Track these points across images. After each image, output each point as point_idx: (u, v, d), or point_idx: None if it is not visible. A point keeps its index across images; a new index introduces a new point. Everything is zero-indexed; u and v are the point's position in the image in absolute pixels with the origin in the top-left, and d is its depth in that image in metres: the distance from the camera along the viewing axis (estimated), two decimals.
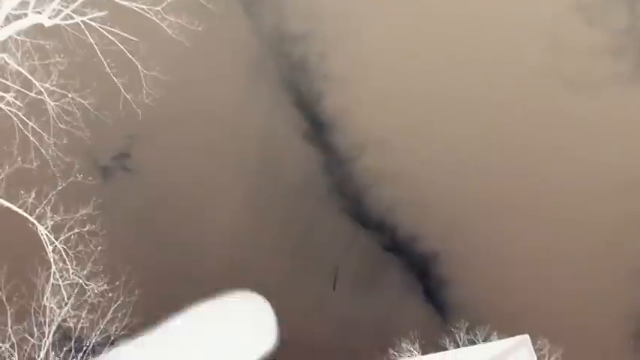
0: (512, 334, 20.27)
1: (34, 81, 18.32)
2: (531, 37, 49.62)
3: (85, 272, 21.47)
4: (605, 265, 45.75)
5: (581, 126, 49.45)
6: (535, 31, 49.40)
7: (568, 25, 48.19)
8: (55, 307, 27.31)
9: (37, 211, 19.01)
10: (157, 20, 19.05)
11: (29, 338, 27.75)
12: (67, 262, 19.66)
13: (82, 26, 18.50)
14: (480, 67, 50.05)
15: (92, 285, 21.63)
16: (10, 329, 27.78)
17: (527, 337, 19.29)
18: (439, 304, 56.74)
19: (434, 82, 51.33)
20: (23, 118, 18.51)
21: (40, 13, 17.95)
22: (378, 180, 53.44)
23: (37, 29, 18.26)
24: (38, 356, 27.59)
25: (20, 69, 18.10)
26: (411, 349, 38.46)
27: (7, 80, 18.08)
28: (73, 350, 28.73)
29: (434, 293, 56.11)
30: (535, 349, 20.55)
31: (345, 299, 47.00)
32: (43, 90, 18.42)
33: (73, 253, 19.93)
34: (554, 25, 48.53)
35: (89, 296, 22.82)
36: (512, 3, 49.63)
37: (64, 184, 19.52)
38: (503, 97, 50.07)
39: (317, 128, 56.44)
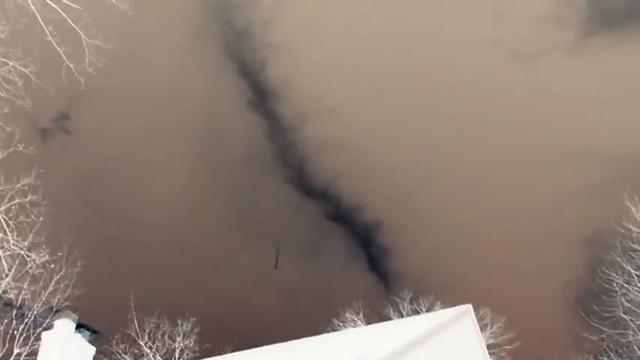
0: (455, 304, 20.48)
1: None
2: (474, 7, 49.96)
3: (27, 243, 21.27)
4: (546, 235, 46.58)
5: (523, 96, 50.07)
6: (480, 2, 49.76)
7: None
8: None
9: None
10: None
11: None
12: (8, 233, 19.39)
13: None
14: (424, 37, 50.39)
15: (34, 256, 21.41)
16: None
17: (470, 306, 19.50)
18: (382, 274, 57.51)
19: (377, 51, 51.55)
20: None
21: None
22: (322, 149, 53.76)
23: None
24: None
25: None
26: (356, 319, 38.86)
27: None
28: (14, 322, 28.55)
29: (377, 262, 56.73)
30: (478, 319, 20.85)
31: (289, 268, 47.19)
32: None
33: (13, 224, 19.64)
34: None
35: (31, 267, 22.58)
36: None
37: (4, 154, 19.27)
38: (447, 67, 50.49)
39: (260, 96, 56.46)
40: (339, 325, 38.59)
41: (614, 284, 29.86)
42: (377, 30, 50.98)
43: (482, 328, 25.22)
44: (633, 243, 30.07)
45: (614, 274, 30.04)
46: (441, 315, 20.56)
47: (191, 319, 37.46)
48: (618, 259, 30.30)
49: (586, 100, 48.59)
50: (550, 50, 49.19)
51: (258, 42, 54.18)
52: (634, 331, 29.14)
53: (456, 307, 19.74)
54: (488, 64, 50.71)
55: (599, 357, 30.30)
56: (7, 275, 26.03)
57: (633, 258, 30.05)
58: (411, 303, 39.17)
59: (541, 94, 49.52)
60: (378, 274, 60.78)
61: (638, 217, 29.82)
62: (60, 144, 39.32)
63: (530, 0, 48.73)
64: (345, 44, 51.96)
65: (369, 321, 37.92)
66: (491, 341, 33.79)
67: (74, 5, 18.80)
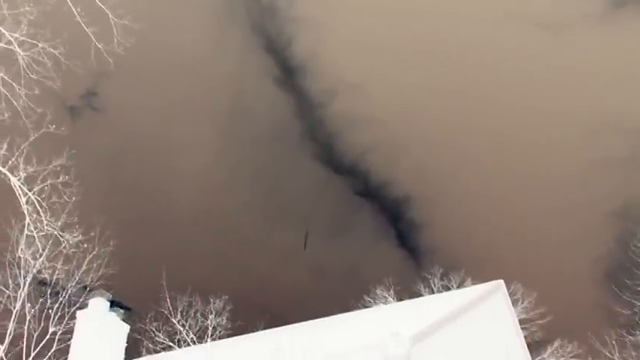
0: (486, 280, 20.47)
1: (3, 31, 18.16)
2: None
3: (60, 223, 21.47)
4: (576, 209, 46.38)
5: (551, 69, 49.66)
6: None
7: None
8: (29, 259, 27.30)
9: (10, 162, 18.98)
10: None
11: (5, 290, 27.85)
12: (41, 214, 19.60)
13: None
14: (450, 10, 50.00)
15: (67, 236, 21.63)
16: None
17: (501, 282, 19.50)
18: (412, 249, 57.51)
19: (404, 26, 51.23)
20: None
21: None
22: (350, 125, 53.64)
23: None
24: (14, 307, 27.68)
25: None
26: (386, 295, 38.93)
27: None
28: (49, 301, 28.88)
29: (407, 238, 56.81)
30: (509, 294, 20.85)
31: (318, 245, 47.30)
32: (12, 40, 18.25)
33: (47, 205, 19.81)
34: None
35: (64, 247, 22.81)
36: None
37: (36, 135, 19.44)
38: (473, 40, 50.10)
39: (288, 73, 56.40)
40: (370, 302, 38.72)
41: None
42: (404, 4, 50.71)
43: (514, 304, 25.17)
44: None
45: None
46: (473, 291, 20.58)
47: (223, 297, 37.72)
48: None
49: (615, 72, 48.15)
50: (578, 21, 48.74)
51: (284, 17, 54.10)
52: None
53: (488, 283, 19.73)
54: (515, 36, 50.33)
55: (632, 331, 30.28)
56: (41, 255, 26.34)
57: None
58: (441, 279, 39.20)
59: (569, 67, 49.14)
60: (408, 249, 60.86)
61: None
62: (88, 122, 39.45)
63: None
64: (373, 18, 51.73)
65: (399, 297, 38.01)
66: (522, 316, 33.77)
67: None
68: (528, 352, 20.52)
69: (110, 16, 18.92)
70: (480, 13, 49.54)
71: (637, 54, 47.30)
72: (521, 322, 23.25)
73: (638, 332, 29.93)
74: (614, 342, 30.91)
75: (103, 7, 18.75)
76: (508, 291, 20.20)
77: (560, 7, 48.23)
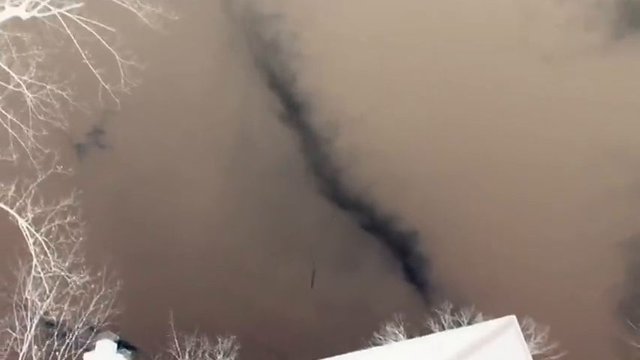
0: (498, 315, 20.43)
1: (12, 74, 18.36)
2: (506, 11, 49.84)
3: (67, 264, 21.52)
4: (585, 240, 46.22)
5: (556, 99, 49.86)
6: (510, 5, 49.62)
7: None
8: (37, 300, 27.45)
9: (18, 203, 19.06)
10: (133, 10, 19.14)
11: (11, 332, 27.91)
12: (49, 254, 19.66)
13: (60, 18, 18.58)
14: (456, 42, 50.27)
15: (74, 277, 21.65)
16: None
17: (513, 317, 19.46)
18: (421, 284, 57.23)
19: (408, 58, 51.53)
20: (2, 110, 18.58)
21: (17, 5, 17.99)
22: (354, 159, 53.78)
23: (15, 22, 18.28)
24: (21, 350, 27.72)
25: None
26: (397, 332, 38.75)
27: None
28: (55, 343, 28.90)
29: (415, 272, 56.57)
30: (521, 329, 20.78)
31: (325, 281, 47.20)
32: (21, 82, 18.47)
33: (54, 245, 19.88)
34: None
35: (71, 288, 22.86)
36: None
37: (44, 176, 19.55)
38: (480, 72, 50.30)
39: (292, 109, 56.61)
40: (380, 339, 38.54)
41: None
42: (408, 37, 50.94)
43: (527, 339, 25.02)
44: None
45: None
46: (485, 327, 20.51)
47: (231, 337, 37.64)
48: None
49: (617, 102, 48.33)
50: (582, 52, 49.04)
51: (287, 54, 54.46)
52: None
53: (500, 319, 19.69)
54: (521, 67, 50.63)
55: None
56: (48, 297, 26.44)
57: None
58: (452, 314, 38.98)
59: (574, 97, 49.33)
60: (416, 284, 60.61)
61: None
62: (95, 159, 39.71)
63: (560, 2, 48.63)
64: (375, 53, 52.04)
65: (410, 334, 37.82)
66: (535, 352, 33.55)
67: (108, 27, 19.14)
68: None
69: (117, 57, 19.12)
70: (483, 45, 49.89)
71: (637, 84, 47.60)
72: (534, 357, 23.15)
73: None
74: None
75: (110, 48, 18.95)
76: (520, 326, 20.12)
77: (562, 40, 48.64)
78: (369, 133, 50.86)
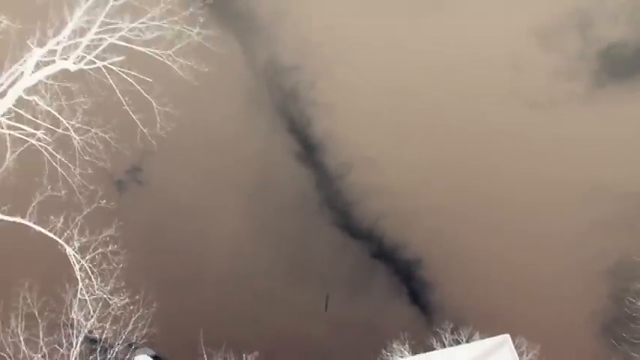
0: (493, 334, 20.44)
1: (61, 119, 18.62)
2: (494, 62, 50.29)
3: (109, 287, 21.59)
4: (573, 267, 46.05)
5: (544, 141, 50.00)
6: (498, 56, 50.01)
7: (527, 49, 48.94)
8: (82, 320, 27.47)
9: (65, 234, 19.23)
10: (168, 63, 19.42)
11: (59, 348, 27.92)
12: (93, 279, 19.79)
13: (103, 70, 18.87)
14: (456, 91, 50.67)
15: (115, 299, 21.77)
16: (41, 341, 27.92)
17: (507, 336, 19.47)
18: (424, 306, 57.03)
19: (410, 105, 52.01)
20: (52, 152, 18.79)
21: (66, 59, 18.29)
22: (364, 195, 54.00)
23: (64, 74, 18.57)
24: None
25: (49, 109, 18.41)
26: (402, 349, 38.54)
27: (38, 119, 18.40)
28: (98, 358, 28.88)
29: (419, 296, 56.43)
30: (515, 347, 20.72)
31: (338, 303, 47.07)
32: (69, 127, 18.72)
33: (97, 271, 20.01)
34: (515, 50, 49.27)
35: (112, 309, 22.95)
36: (477, 33, 50.12)
37: (89, 210, 19.72)
38: (475, 117, 50.63)
39: (308, 150, 57.00)
40: (387, 355, 38.32)
41: None
42: (412, 86, 51.34)
43: (520, 356, 24.92)
44: None
45: (639, 303, 29.58)
46: (482, 345, 20.50)
47: (254, 353, 37.50)
48: None
49: (602, 144, 48.47)
50: (565, 100, 49.25)
51: (304, 101, 54.86)
52: None
53: (495, 337, 19.69)
54: (511, 113, 50.98)
55: None
56: (92, 317, 26.51)
57: None
58: (452, 333, 38.72)
59: (560, 139, 49.46)
60: (420, 306, 60.32)
61: None
62: (133, 194, 39.94)
63: (545, 54, 48.92)
64: (384, 100, 52.38)
65: (414, 351, 37.58)
66: None
67: (146, 78, 19.39)
68: None
69: (154, 104, 19.37)
70: (481, 93, 50.23)
71: (619, 128, 47.71)
72: None
73: None
74: None
75: (147, 96, 19.21)
76: (513, 344, 20.09)
77: (548, 87, 48.92)
78: (378, 171, 51.15)
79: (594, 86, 50.26)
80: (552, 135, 49.40)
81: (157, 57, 19.47)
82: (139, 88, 19.29)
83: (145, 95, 19.39)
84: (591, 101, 49.68)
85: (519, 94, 49.68)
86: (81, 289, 20.10)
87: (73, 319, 27.55)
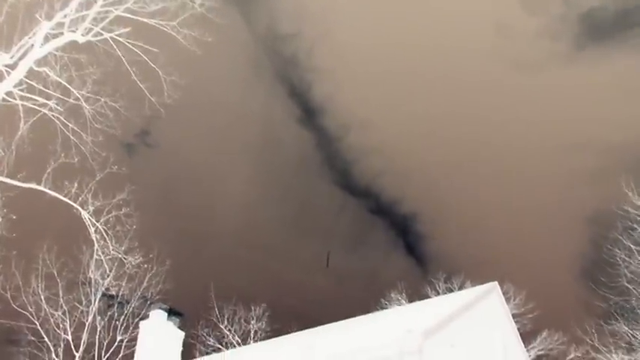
0: (483, 281, 20.34)
1: (72, 89, 18.32)
2: (480, 24, 49.93)
3: (123, 248, 21.40)
4: (557, 216, 46.14)
5: (529, 99, 49.81)
6: (483, 18, 49.65)
7: (511, 11, 48.48)
8: (99, 279, 27.38)
9: (80, 198, 18.99)
10: (173, 33, 19.05)
11: (78, 306, 27.89)
12: (108, 241, 19.59)
13: (110, 41, 18.50)
14: (440, 53, 50.53)
15: (130, 258, 21.60)
16: (61, 299, 27.89)
17: (496, 283, 19.36)
18: (419, 258, 57.41)
19: (403, 68, 51.60)
20: (64, 120, 18.52)
21: (74, 31, 17.90)
22: (363, 154, 53.92)
23: (73, 45, 18.20)
24: (87, 320, 27.70)
25: (60, 79, 18.08)
26: (400, 298, 38.68)
27: (49, 89, 18.07)
28: (115, 314, 28.88)
29: (414, 248, 56.79)
30: (502, 293, 20.64)
31: (339, 256, 47.16)
32: (80, 96, 18.41)
33: (112, 233, 19.83)
34: (499, 12, 48.86)
35: (128, 268, 22.81)
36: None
37: (101, 175, 19.50)
38: (463, 77, 50.41)
39: (308, 113, 56.80)
40: (386, 304, 38.45)
41: (618, 258, 29.50)
42: (402, 50, 51.08)
43: (507, 301, 24.86)
44: (631, 222, 29.72)
45: (617, 250, 29.68)
46: (473, 292, 20.46)
47: (262, 305, 37.54)
48: (619, 236, 30.00)
49: (580, 102, 48.40)
50: (547, 60, 48.99)
51: (304, 67, 54.51)
52: (637, 297, 28.79)
53: (485, 285, 19.62)
54: (496, 72, 50.74)
55: (608, 321, 29.92)
56: (108, 275, 26.41)
57: (632, 235, 29.70)
58: (445, 282, 38.85)
59: (543, 98, 49.39)
60: (416, 258, 60.66)
61: (634, 201, 29.46)
62: (143, 157, 39.52)
63: (528, 16, 48.53)
64: (378, 63, 52.06)
65: (411, 299, 37.71)
66: (515, 311, 33.31)
67: (152, 48, 19.05)
68: (522, 342, 20.33)
69: (160, 74, 19.05)
70: (467, 53, 50.01)
71: (598, 87, 47.66)
72: (514, 316, 23.03)
73: (613, 322, 29.51)
74: (593, 331, 30.56)
75: (154, 66, 18.89)
76: (501, 290, 20.01)
77: (532, 49, 48.61)
78: (376, 131, 50.96)
79: (575, 48, 49.99)
80: (536, 94, 49.35)
81: (161, 28, 19.10)
82: (145, 58, 18.93)
83: (152, 65, 19.05)
84: (572, 62, 49.47)
85: (503, 54, 49.48)
86: (97, 250, 19.93)
87: (90, 278, 27.46)
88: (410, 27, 50.97)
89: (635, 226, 29.56)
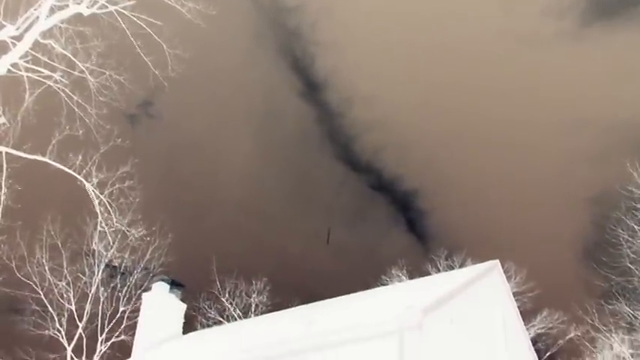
0: (484, 259, 20.44)
1: (76, 62, 18.37)
2: (488, 1, 49.60)
3: (127, 220, 21.66)
4: (559, 196, 46.20)
5: (535, 76, 49.69)
6: None
7: None
8: (102, 250, 27.80)
9: (84, 170, 19.13)
10: (177, 7, 19.06)
11: (82, 277, 28.29)
12: (111, 213, 19.76)
13: (115, 14, 18.52)
14: (447, 31, 50.17)
15: (133, 231, 21.84)
16: (65, 269, 28.35)
17: (497, 261, 19.44)
18: (420, 235, 57.59)
19: (408, 43, 51.38)
20: (69, 93, 18.61)
21: (79, 4, 17.94)
22: (364, 129, 53.91)
23: (78, 18, 18.25)
24: (90, 291, 28.12)
25: (65, 52, 18.14)
26: (400, 274, 38.90)
27: (54, 62, 18.14)
28: (118, 285, 29.25)
29: (415, 225, 56.92)
30: (503, 271, 20.75)
31: (340, 232, 47.40)
32: (84, 69, 18.47)
33: (115, 205, 19.99)
34: None
35: (131, 240, 23.08)
36: None
37: (105, 148, 19.62)
38: (467, 54, 50.23)
39: (311, 87, 56.75)
40: (387, 280, 38.66)
41: (620, 239, 29.61)
42: (406, 25, 50.87)
43: (508, 279, 25.03)
44: (635, 202, 29.81)
45: (620, 230, 29.79)
46: (474, 269, 20.55)
47: (263, 279, 37.89)
48: (623, 217, 30.08)
49: (588, 80, 48.21)
50: (554, 38, 48.80)
51: (307, 40, 54.40)
52: (639, 278, 28.92)
53: (486, 263, 19.71)
54: (501, 48, 50.52)
55: (609, 301, 30.12)
56: (111, 247, 26.73)
57: (636, 216, 29.77)
58: (446, 259, 39.03)
59: (548, 73, 49.23)
60: (416, 234, 60.89)
61: (639, 181, 29.51)
62: (146, 129, 39.59)
63: None
64: (382, 39, 51.88)
65: (411, 276, 37.92)
66: (515, 290, 33.58)
67: (157, 22, 19.06)
68: (522, 320, 20.50)
69: (165, 47, 19.09)
70: (473, 32, 49.64)
71: (603, 65, 47.44)
72: (514, 294, 23.18)
73: (614, 302, 29.74)
74: (594, 310, 30.82)
75: (158, 39, 18.91)
76: (502, 268, 20.12)
77: (539, 26, 48.37)
78: (378, 106, 50.92)
79: (581, 25, 49.75)
80: (542, 70, 49.23)
81: (166, 1, 19.11)
82: (149, 31, 18.96)
83: (156, 38, 19.08)
84: (578, 39, 49.25)
85: (509, 29, 49.28)
86: (100, 222, 20.12)
87: (94, 249, 27.88)
88: (414, 1, 50.75)
89: (639, 206, 29.65)
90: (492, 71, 50.14)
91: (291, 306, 30.06)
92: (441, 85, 51.22)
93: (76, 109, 18.66)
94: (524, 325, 21.53)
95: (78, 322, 27.85)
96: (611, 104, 44.74)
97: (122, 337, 28.32)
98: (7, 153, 17.43)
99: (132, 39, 18.78)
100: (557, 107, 48.65)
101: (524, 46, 49.68)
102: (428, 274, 36.15)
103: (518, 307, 21.26)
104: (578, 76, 48.28)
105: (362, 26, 51.48)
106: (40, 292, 27.92)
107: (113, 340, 28.25)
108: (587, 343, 31.82)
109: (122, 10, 18.48)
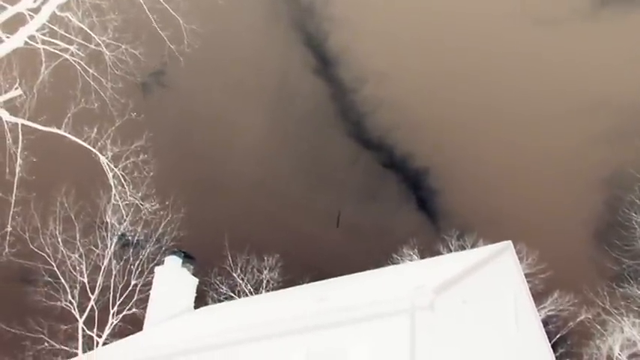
0: (496, 240, 20.50)
1: (93, 35, 18.35)
2: None
3: (140, 194, 21.71)
4: (572, 177, 46.18)
5: (548, 57, 49.46)
6: None
7: None
8: (115, 224, 27.98)
9: (99, 144, 19.17)
10: None
11: (94, 249, 28.50)
12: (125, 186, 19.82)
13: None
14: (462, 11, 49.91)
15: (146, 205, 21.89)
16: (78, 242, 28.53)
17: (510, 242, 19.53)
18: (431, 214, 57.69)
19: (421, 21, 51.27)
20: (85, 66, 18.59)
21: None
22: (377, 107, 53.93)
23: None
24: (102, 264, 28.34)
25: (81, 25, 18.13)
26: (411, 253, 39.03)
27: (71, 35, 18.10)
28: (131, 258, 29.47)
29: (426, 203, 57.02)
30: (515, 252, 20.83)
31: (352, 209, 47.55)
32: (101, 42, 18.46)
33: (129, 179, 20.06)
34: None
35: (144, 214, 23.13)
36: None
37: (120, 121, 19.67)
38: (481, 35, 50.01)
39: (324, 64, 56.68)
40: (398, 259, 38.82)
41: (633, 222, 29.59)
42: (422, 5, 50.58)
43: (520, 260, 25.12)
44: None
45: (633, 213, 29.76)
46: (486, 250, 20.63)
47: (275, 255, 38.12)
48: (636, 199, 30.05)
49: (603, 60, 47.95)
50: (569, 16, 48.46)
51: (320, 16, 54.25)
52: None
53: (498, 243, 19.78)
54: (516, 29, 50.26)
55: (621, 284, 30.18)
56: (125, 221, 26.94)
57: None
58: (457, 239, 39.10)
59: (561, 54, 48.97)
60: (428, 214, 60.98)
61: None
62: (157, 96, 39.76)
63: None
64: (397, 17, 51.72)
65: (423, 255, 38.05)
66: (527, 271, 33.64)
67: None
68: (533, 302, 20.60)
69: (181, 22, 19.06)
70: (487, 11, 49.40)
71: (618, 45, 47.11)
72: (526, 276, 23.28)
73: (626, 285, 29.79)
74: (605, 293, 30.90)
75: (175, 14, 18.88)
76: (515, 249, 20.20)
77: (553, 4, 48.04)
78: (391, 84, 50.93)
79: (597, 4, 49.40)
80: (556, 50, 48.98)
81: None
82: (166, 6, 18.91)
83: (173, 13, 19.04)
84: (593, 19, 48.93)
85: (524, 11, 48.96)
86: (114, 195, 20.18)
87: (107, 222, 28.08)
88: None
89: None
90: (507, 51, 49.98)
91: (302, 283, 30.36)
92: (454, 66, 51.16)
93: (92, 83, 18.68)
94: (536, 306, 21.62)
95: (90, 294, 28.12)
96: (626, 85, 44.53)
97: (134, 310, 28.58)
98: (23, 125, 17.49)
99: (149, 13, 18.75)
100: (572, 88, 48.59)
101: (539, 27, 49.52)
102: (439, 253, 36.31)
103: (530, 289, 21.36)
104: (593, 57, 48.11)
105: (376, 2, 51.32)
106: (53, 263, 28.17)
107: (125, 313, 28.50)
108: (597, 326, 32.00)
109: None
